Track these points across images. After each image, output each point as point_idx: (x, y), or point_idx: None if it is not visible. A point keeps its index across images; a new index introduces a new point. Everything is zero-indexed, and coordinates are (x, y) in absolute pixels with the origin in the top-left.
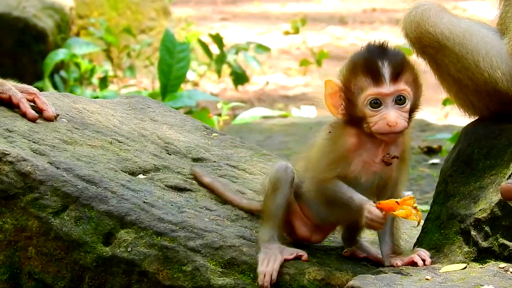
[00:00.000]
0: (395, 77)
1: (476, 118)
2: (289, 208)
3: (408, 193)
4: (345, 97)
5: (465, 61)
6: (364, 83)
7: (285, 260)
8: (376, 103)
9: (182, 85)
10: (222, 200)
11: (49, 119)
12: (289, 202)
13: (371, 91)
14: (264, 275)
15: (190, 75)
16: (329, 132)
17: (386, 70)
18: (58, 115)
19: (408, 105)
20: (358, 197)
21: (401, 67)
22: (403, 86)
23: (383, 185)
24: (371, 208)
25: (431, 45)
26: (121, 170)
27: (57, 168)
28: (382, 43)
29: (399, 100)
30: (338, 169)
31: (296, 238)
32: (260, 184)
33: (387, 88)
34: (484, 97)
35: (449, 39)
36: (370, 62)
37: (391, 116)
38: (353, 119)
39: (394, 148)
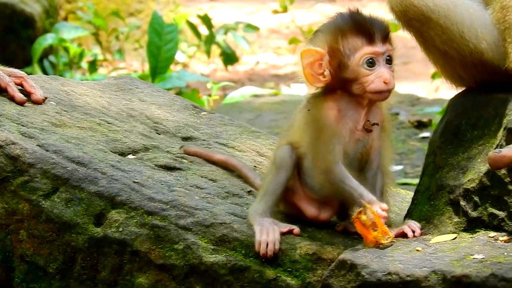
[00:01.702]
0: (385, 37)
1: (463, 89)
2: (292, 190)
3: (399, 168)
4: (332, 61)
5: (450, 33)
6: (359, 42)
7: (281, 234)
8: (371, 62)
9: (172, 67)
10: (239, 175)
11: (37, 102)
12: (292, 184)
13: (367, 50)
14: (267, 244)
15: (180, 57)
16: (308, 110)
17: (377, 30)
18: (46, 98)
19: (393, 66)
20: (367, 194)
21: (387, 27)
22: (390, 46)
23: (366, 155)
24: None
25: (416, 18)
26: (111, 151)
27: (47, 150)
28: (357, 10)
29: (388, 59)
30: (336, 147)
31: (305, 219)
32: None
33: (381, 47)
34: (470, 68)
35: (433, 12)
36: (360, 23)
37: (387, 74)
38: (339, 83)
39: (374, 116)
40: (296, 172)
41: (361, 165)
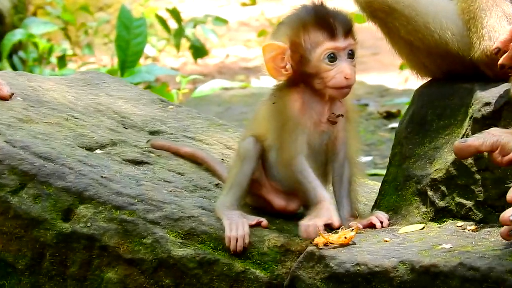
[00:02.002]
0: (347, 32)
1: (429, 79)
2: (259, 182)
3: (368, 158)
4: (294, 55)
5: (415, 23)
6: (320, 37)
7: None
8: (332, 57)
9: (142, 61)
10: (207, 168)
11: (3, 98)
12: (258, 176)
13: (328, 45)
14: (237, 240)
15: (150, 51)
16: (274, 103)
17: (339, 24)
18: (13, 94)
19: (355, 60)
20: (321, 192)
21: (350, 22)
22: (353, 41)
23: (332, 146)
24: (330, 208)
25: (381, 9)
26: (78, 146)
27: (14, 146)
28: (321, 3)
29: (350, 54)
30: (298, 139)
31: (273, 211)
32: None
33: (342, 42)
34: (435, 58)
35: (398, 2)
36: (322, 18)
37: (348, 69)
38: (301, 77)
39: (338, 107)
40: (261, 164)
41: (327, 157)
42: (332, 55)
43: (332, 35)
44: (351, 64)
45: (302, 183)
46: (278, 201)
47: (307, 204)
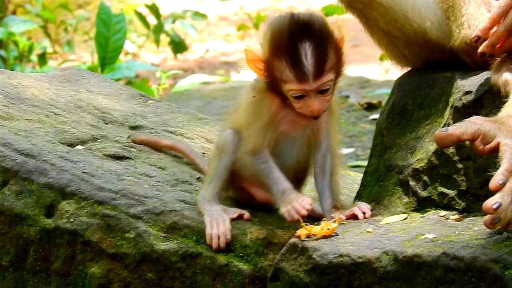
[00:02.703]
0: (320, 73)
1: (409, 69)
2: (240, 175)
3: (350, 150)
4: (267, 71)
5: (393, 13)
6: (288, 76)
7: (231, 221)
8: (299, 96)
9: (122, 57)
10: (189, 161)
11: None
12: (238, 168)
13: (295, 86)
14: (218, 237)
15: (130, 47)
16: (253, 96)
17: (310, 67)
18: None
19: (331, 90)
20: (283, 183)
21: (325, 58)
22: (327, 78)
23: (315, 138)
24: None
25: None
26: (59, 142)
27: None
28: (306, 22)
29: (323, 91)
30: (268, 134)
31: (256, 203)
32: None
33: (311, 84)
34: (415, 47)
35: None
36: (294, 56)
37: (314, 107)
38: (275, 89)
39: None
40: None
41: (310, 149)
42: (299, 95)
43: (300, 79)
44: (321, 98)
45: (264, 175)
46: (260, 193)
47: (272, 196)
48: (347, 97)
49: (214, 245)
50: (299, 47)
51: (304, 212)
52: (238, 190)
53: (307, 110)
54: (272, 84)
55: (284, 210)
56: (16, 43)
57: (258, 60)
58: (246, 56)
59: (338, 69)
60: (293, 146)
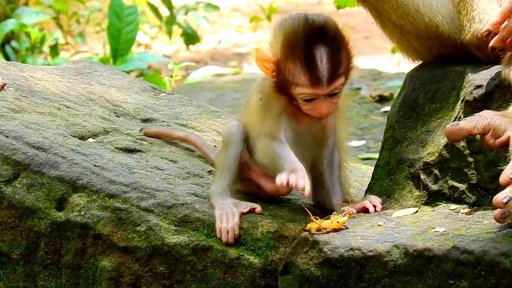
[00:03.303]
0: (333, 78)
1: (420, 62)
2: (248, 167)
3: (361, 142)
4: (278, 73)
5: (405, 6)
6: (301, 80)
7: (241, 214)
8: (309, 100)
9: (135, 48)
10: (201, 154)
11: None
12: (245, 159)
13: (307, 91)
14: (227, 232)
15: (142, 38)
16: (260, 98)
17: (325, 72)
18: (5, 84)
19: (340, 92)
20: (297, 163)
21: (339, 64)
22: (339, 83)
23: (322, 133)
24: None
25: None
26: (71, 135)
27: (6, 136)
28: (321, 26)
29: (333, 94)
30: (282, 122)
31: (266, 195)
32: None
33: (324, 89)
34: (426, 41)
35: None
36: (309, 60)
37: (324, 109)
38: (283, 89)
39: None
40: (247, 148)
41: (318, 143)
42: (310, 98)
43: (314, 84)
44: (330, 101)
45: (279, 157)
46: (269, 185)
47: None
48: (359, 89)
49: (224, 239)
50: (315, 51)
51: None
52: (247, 182)
53: (316, 112)
54: (280, 85)
55: (282, 178)
56: (28, 35)
57: (267, 60)
58: (256, 55)
59: (348, 72)
60: (300, 143)
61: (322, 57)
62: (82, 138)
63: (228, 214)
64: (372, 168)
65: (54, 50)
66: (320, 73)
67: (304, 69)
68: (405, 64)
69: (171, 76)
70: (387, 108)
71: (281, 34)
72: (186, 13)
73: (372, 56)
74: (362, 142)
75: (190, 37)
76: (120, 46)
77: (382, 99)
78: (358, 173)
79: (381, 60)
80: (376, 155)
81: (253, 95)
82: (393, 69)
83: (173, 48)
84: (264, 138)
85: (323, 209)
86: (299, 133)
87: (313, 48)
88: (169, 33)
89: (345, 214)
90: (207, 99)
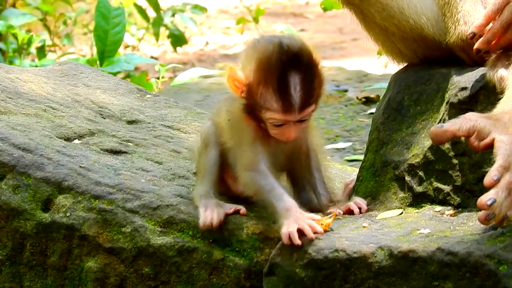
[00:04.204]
0: (305, 105)
1: (405, 65)
2: (222, 165)
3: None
4: (248, 94)
5: (390, 9)
6: (273, 106)
7: (225, 215)
8: (279, 125)
9: (122, 50)
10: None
11: None
12: (222, 159)
13: (278, 116)
14: (211, 218)
15: (129, 40)
16: (228, 120)
17: (298, 99)
18: None
19: (310, 118)
20: (287, 199)
21: (312, 92)
22: (310, 110)
23: (292, 145)
24: (299, 215)
25: None
26: (56, 137)
27: None
28: (296, 53)
29: (303, 120)
30: (258, 148)
31: (231, 195)
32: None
33: (295, 116)
34: (411, 43)
35: None
36: (282, 87)
37: (292, 134)
38: (252, 111)
39: None
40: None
41: (291, 153)
42: (279, 124)
43: (286, 111)
44: (299, 126)
45: (266, 192)
46: (236, 186)
47: (272, 213)
48: (346, 91)
49: (208, 222)
50: (289, 78)
51: (312, 236)
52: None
53: (283, 136)
54: (249, 107)
55: (284, 229)
56: (15, 36)
57: (239, 80)
58: (228, 73)
59: (319, 99)
60: (275, 159)
61: (295, 84)
62: (68, 139)
63: (213, 209)
64: (357, 170)
65: (41, 51)
66: (293, 100)
67: (277, 95)
68: (392, 66)
69: (158, 78)
70: (374, 110)
71: (254, 57)
72: (173, 15)
73: (359, 58)
74: (348, 144)
75: (177, 39)
76: (107, 47)
77: (368, 101)
78: (344, 175)
79: (368, 62)
80: (362, 157)
81: (222, 107)
82: (380, 71)
83: (161, 50)
84: (244, 170)
85: (312, 211)
86: (272, 152)
87: (287, 75)
88: (156, 35)
89: (330, 217)
90: (193, 101)
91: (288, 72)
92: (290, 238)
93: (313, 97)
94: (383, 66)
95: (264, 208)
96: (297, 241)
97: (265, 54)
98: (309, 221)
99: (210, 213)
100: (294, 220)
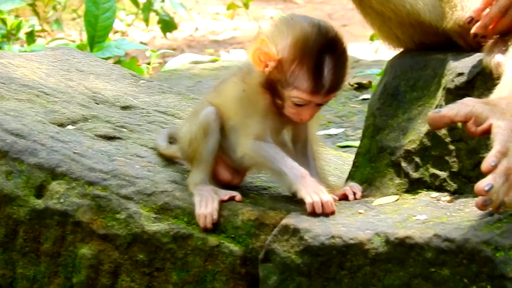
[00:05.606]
0: (332, 90)
1: (402, 50)
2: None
3: (339, 131)
4: (276, 70)
5: None
6: (303, 85)
7: (221, 201)
8: (300, 105)
9: (111, 35)
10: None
11: None
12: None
13: (305, 96)
14: (205, 217)
15: (119, 26)
16: (244, 90)
17: (327, 83)
18: None
19: (324, 104)
20: (299, 168)
21: (342, 78)
22: (333, 95)
23: (295, 130)
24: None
25: None
26: (50, 122)
27: None
28: (334, 38)
29: (320, 105)
30: (268, 122)
31: (218, 182)
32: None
33: (320, 98)
34: (407, 29)
35: None
36: (316, 68)
37: (307, 116)
38: (271, 86)
39: None
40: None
41: (291, 139)
42: (302, 103)
43: (313, 91)
44: (316, 109)
45: (275, 160)
46: (224, 174)
47: (281, 180)
48: None
49: (202, 224)
50: (324, 61)
51: (332, 209)
52: None
53: (298, 117)
54: (271, 82)
55: (309, 198)
56: (4, 21)
57: (269, 55)
58: (259, 45)
59: (343, 86)
60: (276, 140)
61: (329, 68)
62: (61, 125)
63: (207, 200)
64: (352, 156)
65: (31, 37)
66: (324, 83)
67: (310, 75)
68: (383, 52)
69: (149, 64)
70: (366, 95)
71: (290, 34)
72: (163, 0)
73: (350, 44)
74: (341, 130)
75: (167, 25)
76: (97, 33)
77: (360, 87)
78: (338, 161)
79: (359, 48)
80: (355, 143)
81: (231, 81)
82: (371, 57)
83: (150, 35)
84: (250, 139)
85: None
86: (275, 131)
87: (323, 57)
88: (146, 20)
89: None
90: (185, 86)
91: (324, 54)
92: (314, 207)
93: (340, 83)
94: (374, 52)
95: (272, 176)
96: (321, 211)
97: (304, 33)
98: (328, 197)
99: (204, 209)
100: (313, 190)
